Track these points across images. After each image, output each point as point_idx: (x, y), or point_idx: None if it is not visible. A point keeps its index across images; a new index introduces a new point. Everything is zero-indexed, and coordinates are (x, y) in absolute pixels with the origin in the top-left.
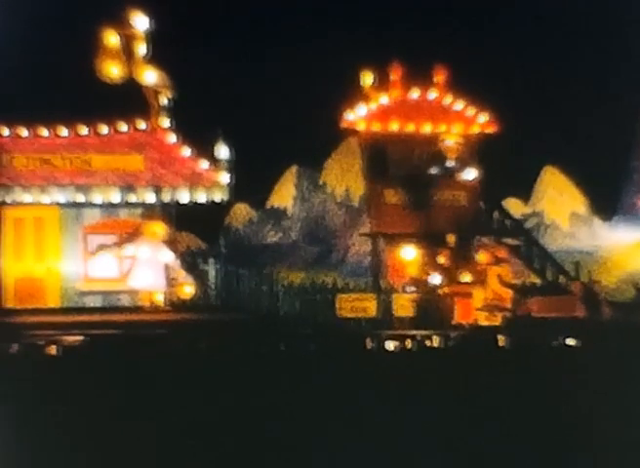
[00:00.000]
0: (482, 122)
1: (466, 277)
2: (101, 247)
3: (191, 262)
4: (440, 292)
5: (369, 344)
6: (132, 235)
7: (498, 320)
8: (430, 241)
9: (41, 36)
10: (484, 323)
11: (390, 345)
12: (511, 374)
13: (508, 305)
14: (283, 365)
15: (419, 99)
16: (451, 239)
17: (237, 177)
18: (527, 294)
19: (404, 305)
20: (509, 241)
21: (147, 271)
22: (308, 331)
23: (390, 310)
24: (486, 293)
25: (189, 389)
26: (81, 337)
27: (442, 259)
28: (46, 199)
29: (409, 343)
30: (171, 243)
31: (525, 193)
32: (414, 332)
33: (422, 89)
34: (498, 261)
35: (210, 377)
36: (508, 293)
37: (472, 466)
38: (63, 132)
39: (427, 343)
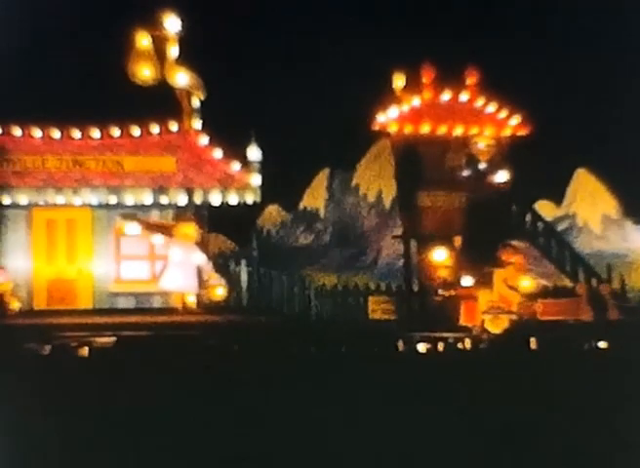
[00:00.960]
0: (514, 124)
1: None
2: (131, 217)
3: (223, 264)
4: (445, 294)
5: (400, 346)
6: (163, 230)
7: (504, 323)
8: (462, 243)
9: (73, 38)
10: (489, 326)
11: (422, 347)
12: (543, 377)
13: (514, 308)
14: (314, 367)
15: (450, 102)
16: (457, 242)
17: (269, 179)
18: (533, 297)
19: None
20: (541, 243)
21: (179, 273)
22: (340, 333)
23: (421, 312)
24: (491, 296)
25: (221, 391)
26: (113, 339)
27: (448, 261)
28: (78, 201)
29: (440, 346)
30: (202, 245)
31: (557, 196)
32: (445, 335)
33: (454, 91)
34: (503, 264)
35: (241, 379)
36: (515, 296)
37: None
38: (95, 133)
39: (459, 346)
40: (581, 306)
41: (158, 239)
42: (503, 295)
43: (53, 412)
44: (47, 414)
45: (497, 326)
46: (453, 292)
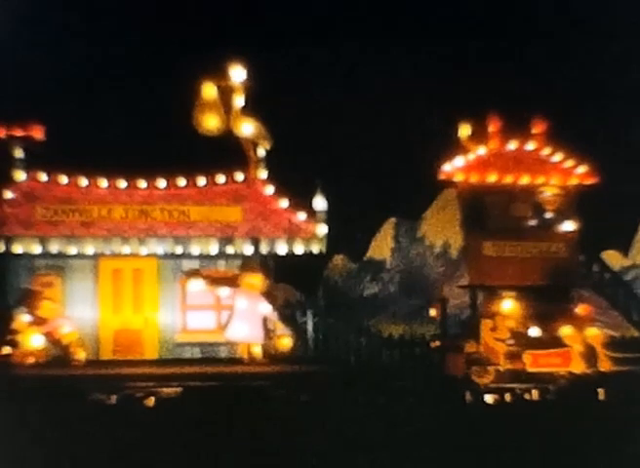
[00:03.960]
0: (580, 173)
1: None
2: (195, 273)
3: (289, 314)
4: (433, 345)
5: (468, 397)
6: (229, 282)
7: (489, 376)
8: (529, 294)
9: (139, 89)
10: (475, 378)
11: (489, 398)
12: (613, 428)
13: (499, 360)
14: (382, 417)
15: (516, 151)
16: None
17: (335, 229)
18: (522, 348)
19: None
20: (608, 293)
21: (245, 323)
22: (407, 383)
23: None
24: (477, 347)
25: (288, 440)
26: (179, 389)
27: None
28: (144, 250)
29: (508, 396)
30: (269, 295)
31: (624, 245)
32: (513, 386)
33: (520, 140)
34: (492, 315)
35: (308, 429)
36: (501, 347)
37: None
38: (162, 183)
39: (526, 396)
40: (572, 357)
41: (224, 292)
42: (490, 346)
43: (119, 463)
44: (113, 465)
45: (481, 378)
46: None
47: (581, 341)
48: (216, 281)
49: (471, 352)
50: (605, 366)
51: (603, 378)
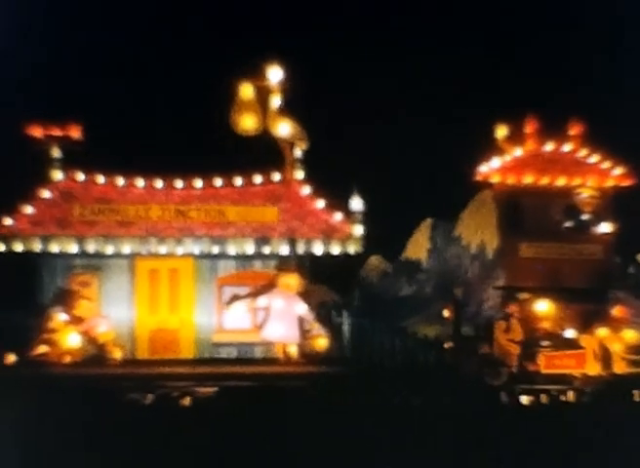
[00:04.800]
0: (617, 175)
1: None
2: (235, 297)
3: (325, 314)
4: (446, 346)
5: (504, 398)
6: (266, 287)
7: (502, 377)
8: (565, 295)
9: (176, 89)
10: (488, 379)
11: (525, 399)
12: None
13: (512, 361)
14: (417, 418)
15: (553, 152)
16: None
17: (371, 230)
18: (535, 350)
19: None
20: None
21: (281, 323)
22: (442, 384)
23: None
24: (492, 349)
25: (323, 441)
26: (215, 389)
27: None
28: (180, 250)
29: (544, 398)
30: (305, 295)
31: None
32: (549, 387)
33: (557, 142)
34: (505, 317)
35: (344, 430)
36: (516, 349)
37: None
38: (198, 183)
39: (562, 398)
40: (586, 359)
41: (262, 301)
42: (504, 348)
43: (155, 462)
44: (149, 464)
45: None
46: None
47: (597, 343)
48: (253, 295)
49: (484, 353)
50: (620, 368)
51: (638, 380)
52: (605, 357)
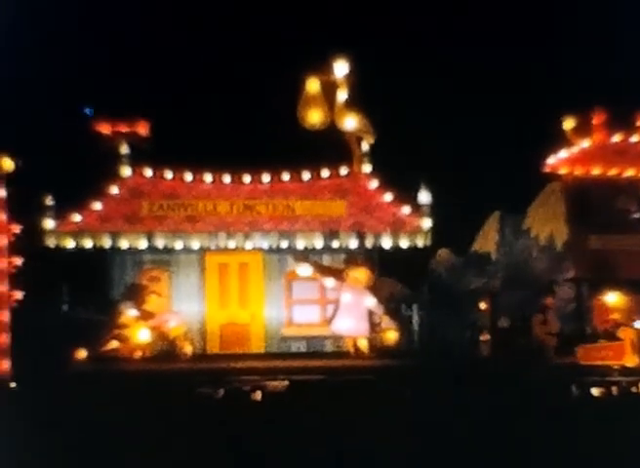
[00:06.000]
0: None
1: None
2: (304, 258)
3: (394, 308)
4: (482, 338)
5: (574, 390)
6: (336, 276)
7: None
8: (635, 286)
9: (244, 84)
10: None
11: (596, 391)
12: None
13: (549, 353)
14: (487, 411)
15: (621, 144)
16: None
17: (440, 223)
18: (572, 342)
19: None
20: None
21: (350, 317)
22: (512, 376)
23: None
24: (527, 340)
25: (394, 434)
26: (285, 383)
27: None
28: (249, 245)
29: (614, 389)
30: (374, 288)
31: None
32: (619, 379)
33: (625, 133)
34: (543, 309)
35: (414, 423)
36: (552, 340)
37: None
38: (266, 178)
39: (633, 389)
40: (625, 350)
41: (329, 282)
42: (541, 339)
43: (226, 456)
44: (220, 458)
45: None
46: None
47: (635, 335)
48: (322, 269)
49: (521, 345)
50: None
51: None
52: None
